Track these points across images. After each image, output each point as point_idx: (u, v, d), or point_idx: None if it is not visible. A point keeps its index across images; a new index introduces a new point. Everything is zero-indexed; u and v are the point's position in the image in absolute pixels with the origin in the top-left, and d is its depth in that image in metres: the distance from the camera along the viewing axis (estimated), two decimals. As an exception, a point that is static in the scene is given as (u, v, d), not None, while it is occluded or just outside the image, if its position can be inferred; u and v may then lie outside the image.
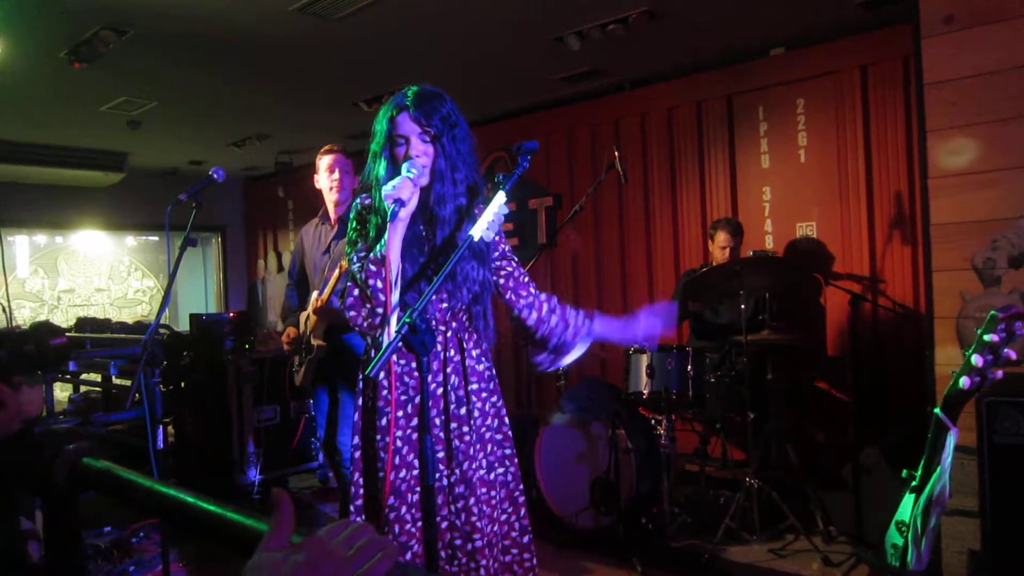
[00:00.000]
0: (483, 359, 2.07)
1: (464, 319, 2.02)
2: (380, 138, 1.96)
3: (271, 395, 4.29)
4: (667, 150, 4.93)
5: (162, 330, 4.30)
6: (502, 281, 2.09)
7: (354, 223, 1.98)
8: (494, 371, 2.11)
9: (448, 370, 1.96)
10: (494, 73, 4.71)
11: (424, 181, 1.91)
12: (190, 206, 2.60)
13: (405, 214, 1.82)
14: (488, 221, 1.81)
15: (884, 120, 4.09)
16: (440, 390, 1.95)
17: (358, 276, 1.87)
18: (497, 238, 2.05)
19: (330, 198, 3.23)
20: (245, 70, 4.44)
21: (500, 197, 1.82)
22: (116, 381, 4.38)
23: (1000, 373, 1.39)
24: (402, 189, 1.79)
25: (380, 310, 1.81)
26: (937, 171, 3.06)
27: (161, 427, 2.62)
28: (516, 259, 2.13)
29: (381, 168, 1.94)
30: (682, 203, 4.88)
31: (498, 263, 2.08)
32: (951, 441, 1.41)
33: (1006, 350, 1.35)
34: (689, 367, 3.49)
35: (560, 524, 3.64)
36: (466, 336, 2.02)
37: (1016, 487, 2.39)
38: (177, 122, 5.59)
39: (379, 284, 1.81)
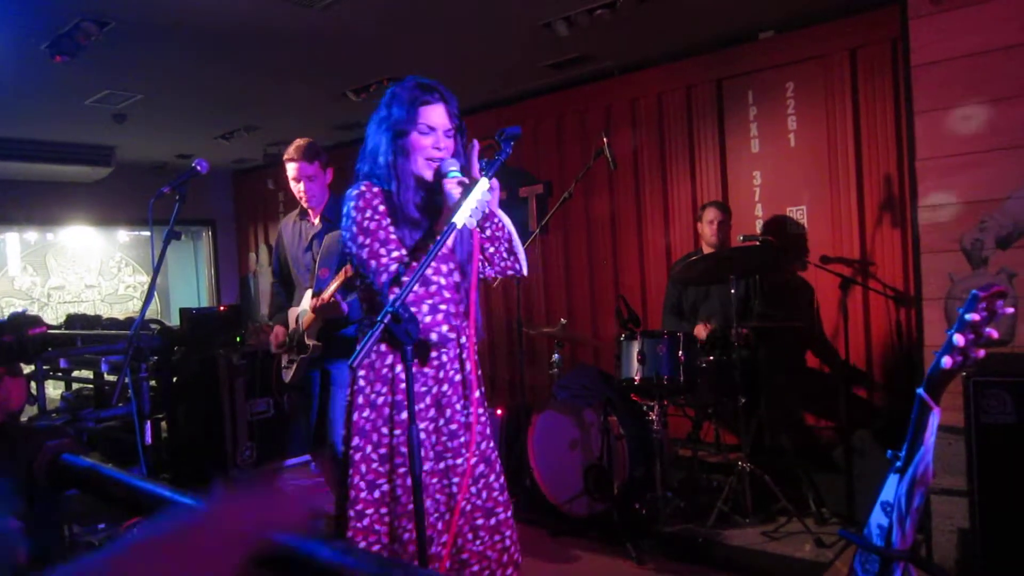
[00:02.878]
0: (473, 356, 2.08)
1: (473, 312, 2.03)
2: (400, 126, 1.92)
3: (264, 388, 4.29)
4: (657, 135, 4.92)
5: (153, 325, 4.28)
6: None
7: (366, 211, 1.90)
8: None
9: (463, 355, 1.98)
10: (483, 61, 4.68)
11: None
12: (174, 199, 2.58)
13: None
14: (472, 208, 1.80)
15: (873, 103, 4.08)
16: (458, 376, 1.96)
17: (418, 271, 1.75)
18: None
19: (304, 204, 3.20)
20: (231, 61, 4.40)
21: (483, 184, 1.81)
22: (108, 377, 4.37)
23: (982, 352, 1.39)
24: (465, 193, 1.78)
25: (444, 307, 1.87)
26: (925, 153, 3.06)
27: (151, 423, 2.61)
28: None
29: (402, 158, 1.93)
30: (672, 189, 4.87)
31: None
32: (934, 421, 1.42)
33: (988, 329, 1.35)
34: (680, 352, 3.49)
35: (554, 511, 3.65)
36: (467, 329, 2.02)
37: (1003, 466, 2.41)
38: (163, 115, 5.55)
39: (442, 280, 1.85)
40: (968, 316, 1.34)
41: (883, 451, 1.64)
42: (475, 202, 1.79)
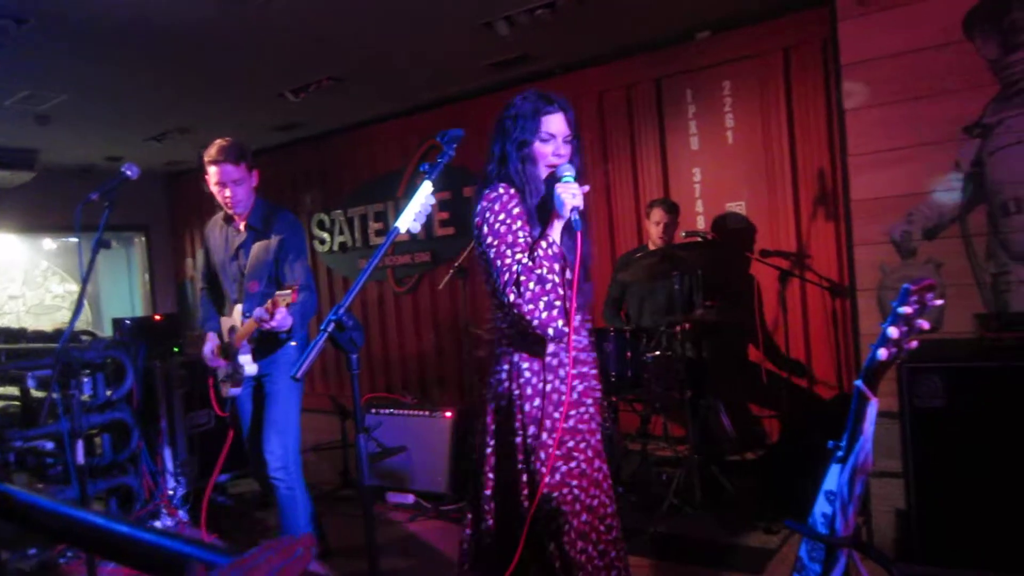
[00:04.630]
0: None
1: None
2: (524, 135, 2.01)
3: (204, 399, 4.15)
4: (598, 134, 4.96)
5: (84, 337, 4.10)
6: None
7: (505, 216, 1.98)
8: None
9: (584, 355, 2.09)
10: (425, 60, 4.64)
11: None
12: (103, 205, 2.47)
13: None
14: (415, 212, 1.79)
15: (806, 101, 4.20)
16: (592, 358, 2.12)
17: (535, 271, 1.91)
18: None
19: (229, 211, 2.98)
20: (161, 60, 4.25)
21: (426, 187, 1.80)
22: (35, 394, 4.17)
23: (915, 343, 1.44)
24: (580, 199, 1.93)
25: (558, 303, 1.92)
26: (856, 149, 3.16)
27: (84, 440, 2.50)
28: None
29: (531, 165, 2.03)
30: (615, 186, 4.93)
31: None
32: (872, 411, 1.46)
33: (919, 320, 1.40)
34: (627, 349, 3.53)
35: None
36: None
37: (936, 448, 2.51)
38: (90, 116, 5.33)
39: (555, 278, 1.92)
40: (901, 309, 1.38)
41: (824, 439, 1.68)
42: (419, 205, 1.79)
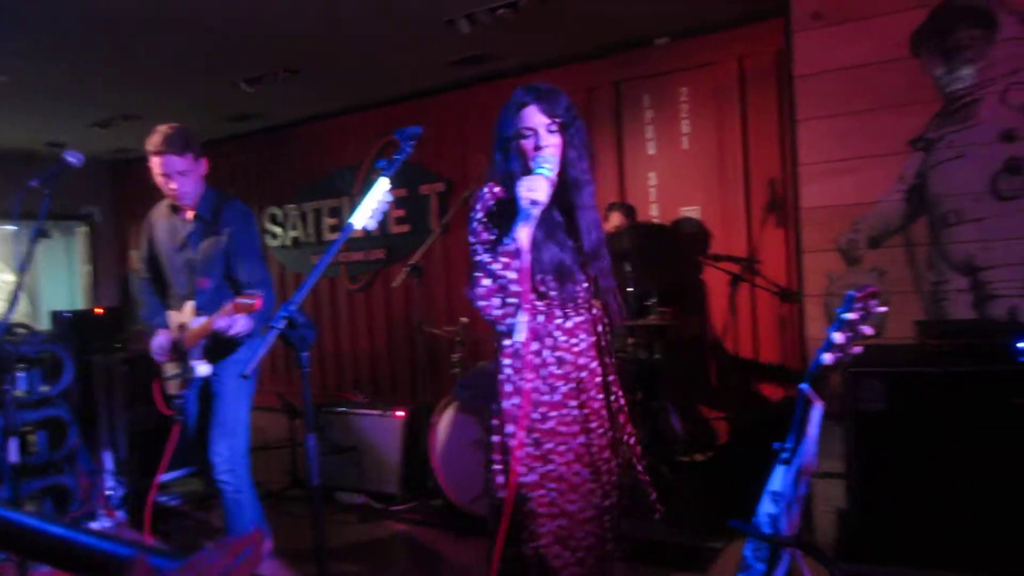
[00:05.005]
0: (608, 336, 2.11)
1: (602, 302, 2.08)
2: (507, 132, 2.02)
3: (147, 396, 4.03)
4: (557, 136, 4.98)
5: (19, 330, 3.94)
6: None
7: (480, 214, 1.98)
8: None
9: (569, 356, 2.02)
10: (385, 55, 4.59)
11: (555, 172, 1.95)
12: (43, 193, 2.37)
13: (538, 211, 1.87)
14: (371, 208, 1.77)
15: (760, 109, 4.29)
16: (595, 363, 2.03)
17: (490, 267, 1.91)
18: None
19: (176, 204, 2.84)
20: (108, 43, 4.11)
21: (383, 184, 1.78)
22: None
23: (859, 348, 1.49)
24: (540, 190, 1.85)
25: (514, 300, 1.89)
26: (806, 158, 3.24)
27: (18, 438, 2.40)
28: None
29: (514, 162, 2.00)
30: (572, 188, 4.95)
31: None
32: (817, 414, 1.50)
33: (863, 326, 1.44)
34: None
35: (458, 512, 3.64)
36: (602, 317, 2.08)
37: (877, 450, 2.59)
38: (31, 100, 5.12)
39: (512, 275, 1.88)
40: (846, 315, 1.43)
41: (770, 441, 1.72)
42: (375, 202, 1.77)
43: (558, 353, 1.97)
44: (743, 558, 1.71)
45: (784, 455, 1.57)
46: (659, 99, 4.62)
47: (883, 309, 1.49)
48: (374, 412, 4.17)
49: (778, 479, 1.60)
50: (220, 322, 2.54)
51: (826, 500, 2.97)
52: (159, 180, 2.78)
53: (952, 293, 3.01)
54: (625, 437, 2.08)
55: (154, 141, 2.72)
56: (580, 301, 2.00)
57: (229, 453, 2.83)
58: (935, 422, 2.50)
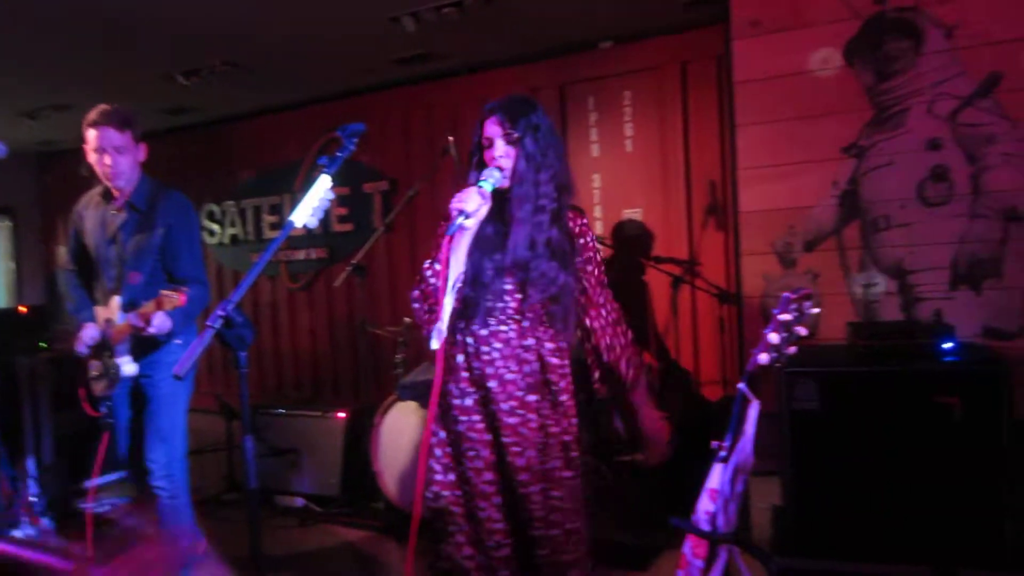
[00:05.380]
0: (558, 354, 2.07)
1: (542, 314, 2.02)
2: (473, 140, 2.04)
3: (74, 398, 3.86)
4: (503, 136, 4.98)
5: (-65, 328, 3.73)
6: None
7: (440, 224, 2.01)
8: (568, 370, 2.15)
9: (529, 356, 2.02)
10: (328, 51, 4.51)
11: (507, 183, 1.94)
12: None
13: (472, 223, 1.86)
14: (312, 206, 1.74)
15: (701, 114, 4.38)
16: (512, 375, 2.00)
17: (425, 273, 1.94)
18: (583, 241, 2.09)
19: (108, 183, 2.71)
20: (36, 28, 3.92)
21: (324, 181, 1.75)
22: None
23: (794, 348, 1.53)
24: (468, 201, 1.83)
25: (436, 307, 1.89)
26: (745, 163, 3.33)
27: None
28: (598, 268, 2.14)
29: (473, 171, 2.01)
30: (518, 189, 4.96)
31: (581, 267, 2.08)
32: (753, 412, 1.54)
33: (797, 327, 1.48)
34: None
35: (401, 515, 3.60)
36: (540, 331, 2.03)
37: (811, 448, 2.67)
38: (-50, 88, 4.86)
39: (438, 283, 1.89)
40: (781, 316, 1.46)
41: (709, 440, 1.76)
42: (316, 200, 1.74)
43: (472, 361, 1.99)
44: (683, 555, 1.74)
45: (722, 454, 1.61)
46: (603, 102, 4.67)
47: (816, 311, 1.53)
48: (315, 413, 4.09)
49: (716, 477, 1.63)
50: (133, 318, 2.43)
51: (763, 497, 3.05)
52: (93, 157, 2.65)
53: (882, 295, 3.13)
54: (556, 465, 2.03)
55: (93, 115, 2.62)
56: (505, 312, 1.99)
57: (166, 459, 2.73)
58: (865, 420, 2.60)
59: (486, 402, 1.98)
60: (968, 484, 2.46)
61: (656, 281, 4.42)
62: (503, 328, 1.99)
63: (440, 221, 2.00)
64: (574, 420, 2.13)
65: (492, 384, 1.97)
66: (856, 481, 2.60)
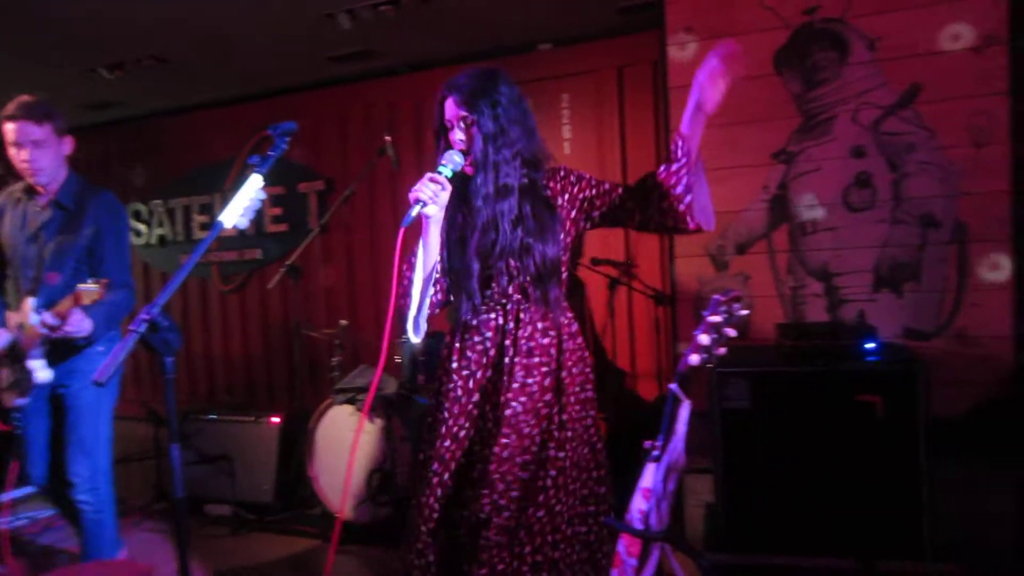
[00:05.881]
0: (550, 333, 1.94)
1: (531, 293, 1.92)
2: (435, 127, 1.97)
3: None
4: (442, 137, 4.95)
5: None
6: (604, 210, 2.03)
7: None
8: (582, 347, 2.01)
9: (507, 342, 1.92)
10: (260, 47, 4.39)
11: (470, 168, 1.87)
12: None
13: (433, 210, 1.78)
14: (243, 206, 1.69)
15: (637, 117, 4.45)
16: (503, 360, 1.94)
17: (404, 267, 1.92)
18: (567, 196, 2.01)
19: (28, 179, 2.58)
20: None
21: (255, 180, 1.71)
22: None
23: (724, 349, 1.56)
24: (423, 189, 1.79)
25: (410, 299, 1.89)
26: (679, 167, 3.38)
27: None
28: (599, 184, 2.08)
29: (442, 153, 1.94)
30: (457, 190, 4.94)
31: (588, 207, 2.03)
32: (685, 412, 1.56)
33: (727, 328, 1.52)
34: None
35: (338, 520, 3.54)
36: (526, 309, 1.93)
37: (742, 445, 2.74)
38: None
39: (414, 276, 1.88)
40: (711, 318, 1.49)
41: (641, 440, 1.78)
42: (247, 199, 1.69)
43: (465, 350, 1.96)
44: (616, 553, 1.75)
45: (655, 453, 1.63)
46: (541, 104, 4.69)
47: (745, 312, 1.57)
48: (247, 418, 3.99)
49: (649, 476, 1.65)
50: (47, 316, 2.29)
51: (695, 494, 3.12)
52: (11, 152, 2.51)
53: (810, 297, 3.24)
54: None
55: (10, 108, 2.50)
56: (493, 299, 1.93)
57: (89, 472, 2.60)
58: (793, 418, 2.68)
59: (469, 391, 1.95)
60: (889, 480, 2.57)
61: (593, 282, 4.47)
62: (491, 315, 1.94)
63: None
64: (577, 398, 2.02)
65: (479, 373, 1.95)
66: (785, 478, 2.68)
